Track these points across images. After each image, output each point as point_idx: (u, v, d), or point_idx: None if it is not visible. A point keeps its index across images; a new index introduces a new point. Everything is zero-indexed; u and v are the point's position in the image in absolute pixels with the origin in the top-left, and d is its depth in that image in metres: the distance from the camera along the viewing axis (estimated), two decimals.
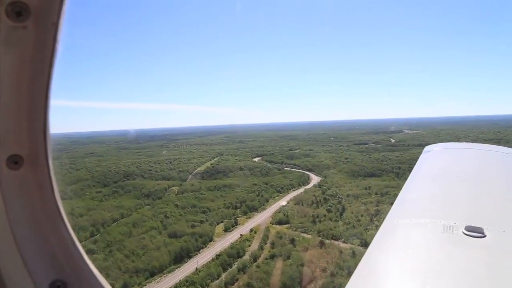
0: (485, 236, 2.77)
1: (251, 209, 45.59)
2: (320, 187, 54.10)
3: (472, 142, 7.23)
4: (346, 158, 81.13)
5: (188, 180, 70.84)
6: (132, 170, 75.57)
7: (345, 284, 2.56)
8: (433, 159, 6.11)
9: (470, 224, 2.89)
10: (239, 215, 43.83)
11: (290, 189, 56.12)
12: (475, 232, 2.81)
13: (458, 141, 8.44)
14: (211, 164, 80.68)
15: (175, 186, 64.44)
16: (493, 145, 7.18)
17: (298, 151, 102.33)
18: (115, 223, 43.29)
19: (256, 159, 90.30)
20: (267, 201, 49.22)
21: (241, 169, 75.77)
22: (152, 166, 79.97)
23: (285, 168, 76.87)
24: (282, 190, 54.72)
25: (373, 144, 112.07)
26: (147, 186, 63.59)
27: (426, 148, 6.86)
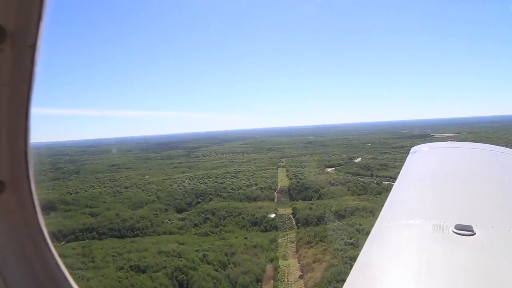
0: (474, 234, 2.72)
1: None
2: None
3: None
4: None
5: (276, 200, 57.80)
6: (202, 189, 61.25)
7: None
8: (420, 160, 6.11)
9: (459, 223, 2.84)
10: None
11: None
12: (465, 230, 2.75)
13: None
14: (289, 179, 67.87)
15: (279, 208, 51.27)
16: (478, 144, 7.00)
17: (359, 160, 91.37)
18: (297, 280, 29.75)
19: (329, 170, 78.38)
20: None
21: (332, 184, 63.70)
22: (220, 183, 65.93)
23: (383, 182, 65.53)
24: None
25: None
26: (244, 210, 49.90)
27: (413, 149, 6.87)
